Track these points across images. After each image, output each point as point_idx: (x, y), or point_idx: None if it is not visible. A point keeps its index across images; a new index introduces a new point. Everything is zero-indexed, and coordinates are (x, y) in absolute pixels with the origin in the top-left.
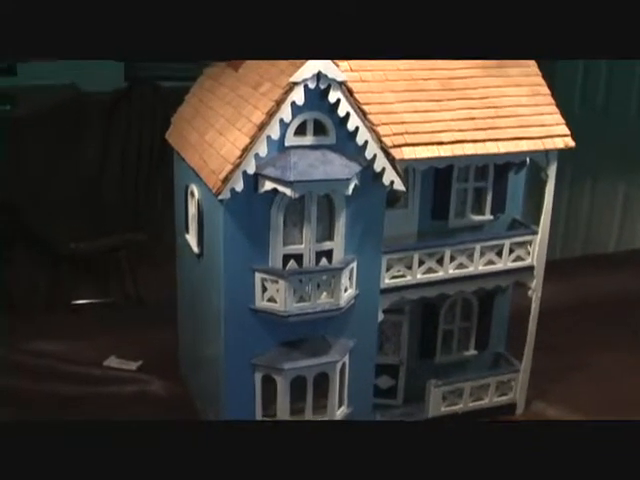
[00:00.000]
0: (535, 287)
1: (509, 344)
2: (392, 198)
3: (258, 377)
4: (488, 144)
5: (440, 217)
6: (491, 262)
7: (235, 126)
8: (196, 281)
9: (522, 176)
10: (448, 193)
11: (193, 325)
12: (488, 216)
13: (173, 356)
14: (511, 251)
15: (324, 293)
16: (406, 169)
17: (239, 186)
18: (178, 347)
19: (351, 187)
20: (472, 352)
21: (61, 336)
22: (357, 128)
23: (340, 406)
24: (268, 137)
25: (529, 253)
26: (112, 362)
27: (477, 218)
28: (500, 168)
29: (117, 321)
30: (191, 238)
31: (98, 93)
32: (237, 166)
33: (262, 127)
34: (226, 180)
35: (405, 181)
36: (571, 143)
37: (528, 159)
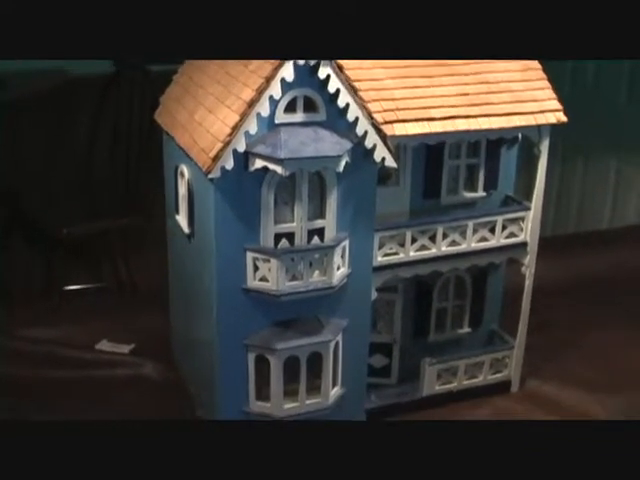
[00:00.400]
0: (528, 263)
1: (503, 321)
2: (383, 175)
3: (251, 357)
4: (480, 119)
5: (432, 194)
6: (484, 239)
7: (225, 104)
8: (187, 263)
9: (514, 152)
10: (440, 170)
11: (185, 308)
12: (481, 193)
13: (166, 340)
14: (504, 228)
15: (316, 272)
16: (397, 146)
17: (229, 164)
18: (170, 330)
19: (342, 164)
20: (466, 330)
21: (55, 322)
22: (347, 104)
23: (334, 386)
24: (258, 114)
25: (522, 229)
26: (104, 345)
27: (469, 195)
28: (492, 144)
29: (110, 306)
30: (182, 219)
31: (87, 77)
32: (227, 144)
33: (252, 104)
34: (216, 158)
35: (396, 158)
36: (563, 118)
37: (520, 135)
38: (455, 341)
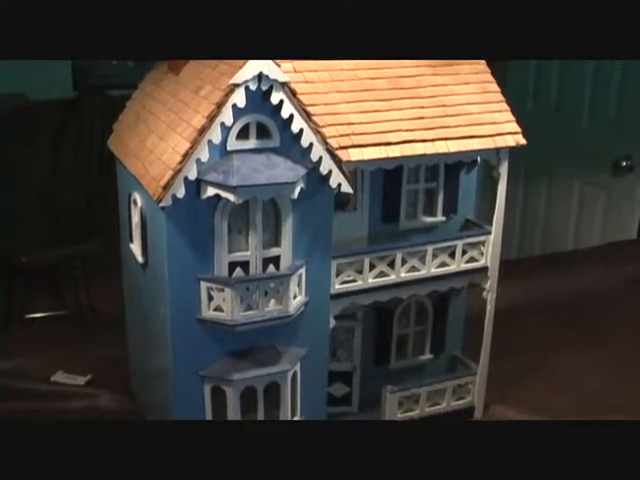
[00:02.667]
0: (490, 288)
1: (466, 347)
2: (341, 201)
3: (207, 389)
4: (438, 143)
5: (391, 219)
6: (444, 264)
7: (176, 131)
8: (142, 292)
9: (473, 175)
10: (398, 195)
11: (141, 337)
12: (440, 217)
13: (124, 370)
14: (464, 252)
15: (272, 300)
16: (354, 171)
17: (180, 192)
18: (128, 360)
19: (297, 191)
20: (428, 356)
21: (12, 352)
22: (301, 130)
23: (293, 416)
24: (209, 141)
25: (482, 254)
26: (59, 377)
27: (429, 220)
28: (451, 168)
29: (67, 335)
30: (135, 247)
31: (47, 102)
32: (178, 172)
33: (203, 131)
34: (167, 187)
35: (353, 183)
36: (522, 141)
37: (479, 158)
38: (417, 368)
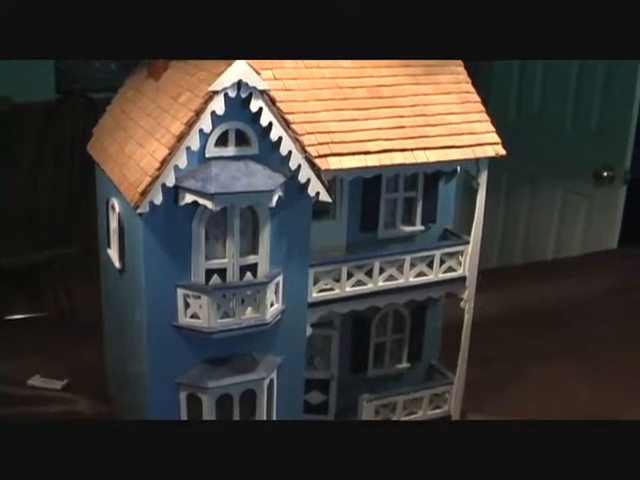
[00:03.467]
0: (467, 298)
1: (444, 356)
2: (319, 210)
3: (183, 396)
4: (417, 153)
5: (369, 228)
6: (422, 274)
7: (154, 137)
8: (119, 297)
9: (453, 185)
10: (377, 203)
11: (118, 342)
12: (419, 226)
13: (101, 375)
14: (442, 262)
15: (249, 308)
16: (333, 179)
17: (158, 199)
18: (105, 365)
19: (275, 199)
20: (405, 365)
21: None
22: (280, 138)
23: None
24: (188, 148)
25: (460, 263)
26: (36, 381)
27: (407, 229)
28: (430, 177)
29: (46, 339)
30: (113, 253)
31: (30, 104)
32: (156, 178)
33: (181, 138)
34: (145, 193)
35: (332, 192)
36: (502, 151)
37: (459, 168)
38: (394, 376)
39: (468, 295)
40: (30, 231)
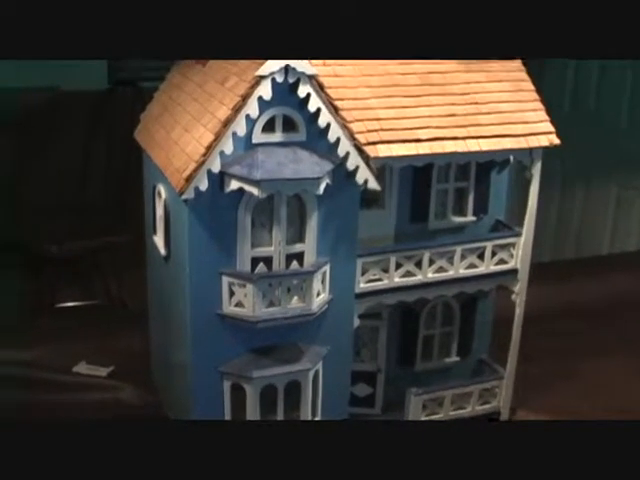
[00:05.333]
0: (519, 291)
1: (493, 350)
2: (368, 198)
3: (227, 385)
4: (469, 142)
5: (419, 219)
6: (473, 265)
7: (200, 122)
8: (164, 285)
9: (505, 175)
10: (428, 193)
11: (163, 330)
12: (470, 217)
13: (148, 363)
14: (493, 254)
15: (295, 297)
16: (383, 167)
17: (203, 185)
18: (150, 353)
19: (322, 186)
20: (454, 359)
21: (36, 343)
22: (328, 124)
23: (314, 416)
24: (234, 134)
25: (512, 256)
26: (82, 368)
27: (458, 220)
28: (482, 167)
29: (93, 326)
30: (159, 240)
31: (80, 93)
32: (201, 164)
33: (227, 123)
34: (190, 179)
35: (381, 180)
36: (556, 140)
37: (512, 158)
38: (442, 370)
39: (520, 288)
40: (80, 219)
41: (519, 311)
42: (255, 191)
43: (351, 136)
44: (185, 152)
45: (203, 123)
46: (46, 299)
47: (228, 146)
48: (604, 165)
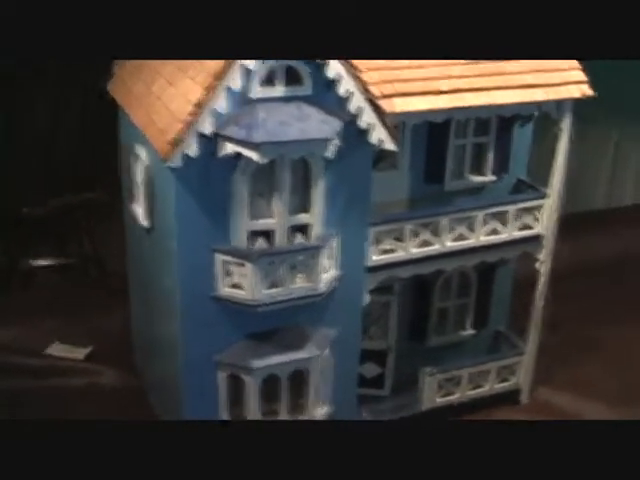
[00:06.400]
0: (544, 258)
1: (512, 320)
2: (377, 158)
3: (222, 377)
4: (494, 93)
5: (434, 179)
6: (494, 231)
7: (187, 74)
8: (147, 259)
9: (529, 130)
10: (444, 151)
11: (145, 309)
12: (490, 177)
13: (128, 341)
14: (517, 218)
15: (300, 276)
16: (397, 125)
17: (192, 151)
18: (132, 333)
19: (332, 149)
20: (469, 332)
21: (6, 321)
22: (338, 75)
23: (321, 405)
24: (228, 88)
25: (537, 220)
26: (55, 350)
27: (477, 179)
28: (505, 121)
29: (67, 299)
30: (138, 209)
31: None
32: (189, 125)
33: (219, 75)
34: (176, 143)
35: (397, 139)
36: (588, 92)
37: (536, 111)
38: (457, 344)
39: (545, 255)
40: (50, 178)
41: (543, 280)
42: (255, 156)
43: (364, 89)
44: (169, 110)
45: (190, 75)
46: (18, 261)
47: (221, 103)
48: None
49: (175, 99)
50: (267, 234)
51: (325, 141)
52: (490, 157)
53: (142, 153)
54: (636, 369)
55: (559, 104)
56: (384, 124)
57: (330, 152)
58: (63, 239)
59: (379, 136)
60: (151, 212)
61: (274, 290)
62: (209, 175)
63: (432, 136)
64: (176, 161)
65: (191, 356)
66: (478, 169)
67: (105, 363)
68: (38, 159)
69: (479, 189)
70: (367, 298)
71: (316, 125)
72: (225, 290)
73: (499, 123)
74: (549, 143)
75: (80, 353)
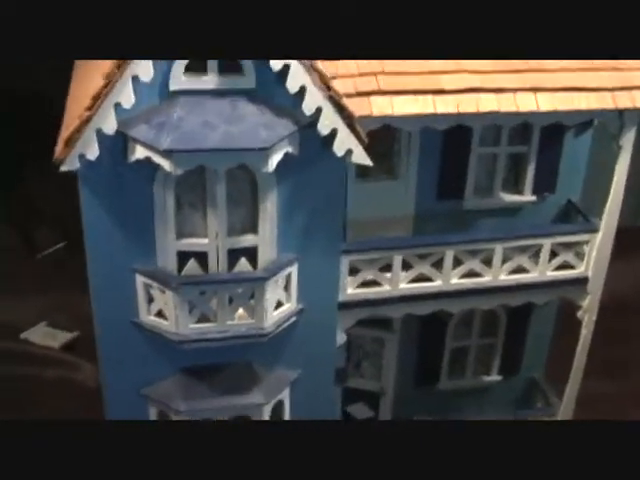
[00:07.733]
0: (588, 307)
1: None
2: (374, 165)
3: (153, 413)
4: (521, 96)
5: (451, 195)
6: (521, 269)
7: (98, 65)
8: None
9: (586, 140)
10: (464, 160)
11: None
12: (528, 196)
13: None
14: (554, 254)
15: (240, 311)
16: (387, 126)
17: (92, 152)
18: None
19: (273, 160)
20: (494, 377)
21: None
22: (288, 65)
23: None
24: (134, 77)
25: (582, 258)
26: (33, 335)
27: (511, 198)
28: (549, 129)
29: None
30: None
31: None
32: (86, 121)
33: (121, 62)
34: (71, 142)
35: (388, 141)
36: None
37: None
38: (477, 391)
39: (590, 304)
40: None
41: (586, 333)
42: (167, 165)
43: (324, 84)
44: (73, 105)
45: (98, 65)
46: None
47: (126, 95)
48: None
49: (80, 93)
50: (202, 255)
51: (261, 152)
52: (530, 171)
53: None
54: None
55: (620, 114)
56: (353, 130)
57: (270, 165)
58: None
59: (346, 146)
60: None
61: (204, 325)
62: (124, 183)
63: (449, 141)
64: (72, 164)
65: (115, 388)
66: (514, 186)
67: (84, 355)
68: None
69: (513, 210)
70: (342, 337)
71: (250, 130)
72: (148, 318)
73: (543, 129)
74: (604, 156)
75: (58, 341)
